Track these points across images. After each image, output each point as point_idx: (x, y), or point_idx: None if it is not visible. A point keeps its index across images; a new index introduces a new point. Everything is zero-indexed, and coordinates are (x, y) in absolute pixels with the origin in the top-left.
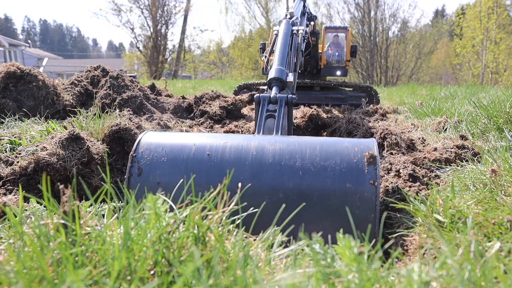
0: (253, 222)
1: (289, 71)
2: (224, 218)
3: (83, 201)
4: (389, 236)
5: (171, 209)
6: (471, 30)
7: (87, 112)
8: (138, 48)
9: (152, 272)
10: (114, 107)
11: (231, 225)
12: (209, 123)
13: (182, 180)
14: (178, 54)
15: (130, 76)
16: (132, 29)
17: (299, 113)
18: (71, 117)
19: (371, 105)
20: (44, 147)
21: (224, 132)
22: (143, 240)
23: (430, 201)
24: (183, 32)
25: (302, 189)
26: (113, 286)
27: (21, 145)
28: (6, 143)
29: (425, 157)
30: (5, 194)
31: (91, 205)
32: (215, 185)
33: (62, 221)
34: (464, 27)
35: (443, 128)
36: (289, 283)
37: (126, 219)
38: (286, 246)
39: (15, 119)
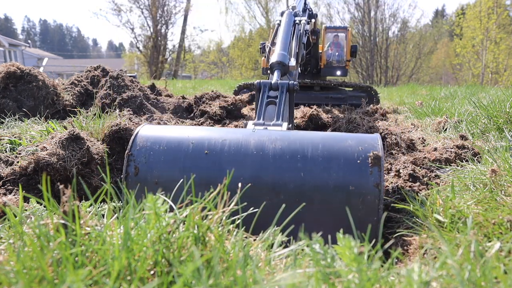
0: (253, 223)
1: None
2: (224, 218)
3: (83, 201)
4: (389, 236)
5: (171, 209)
6: (471, 30)
7: (87, 112)
8: (138, 48)
9: (152, 272)
10: (114, 107)
11: (231, 225)
12: (209, 123)
13: (181, 180)
14: (178, 54)
15: (130, 76)
16: (132, 29)
17: (299, 113)
18: (71, 117)
19: (371, 105)
20: (44, 147)
21: None
22: (143, 240)
23: (430, 201)
24: (183, 32)
25: (304, 191)
26: (113, 286)
27: (21, 145)
28: (6, 143)
29: (425, 157)
30: (5, 194)
31: (91, 205)
32: (215, 186)
33: (62, 221)
34: (464, 27)
35: (443, 128)
36: (289, 283)
37: (126, 219)
38: (286, 246)
39: (15, 119)
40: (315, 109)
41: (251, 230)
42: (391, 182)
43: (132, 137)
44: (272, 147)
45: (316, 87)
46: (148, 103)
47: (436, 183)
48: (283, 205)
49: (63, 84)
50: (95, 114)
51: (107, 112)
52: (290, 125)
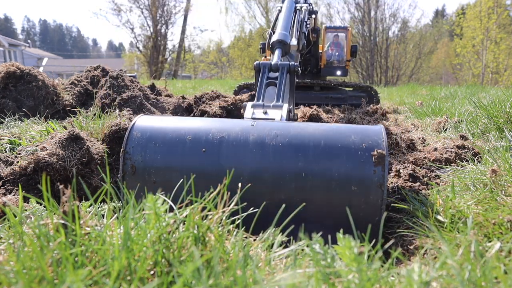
0: (253, 223)
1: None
2: (224, 218)
3: (83, 201)
4: (389, 236)
5: (171, 209)
6: (471, 30)
7: (87, 112)
8: (138, 48)
9: (152, 272)
10: (114, 107)
11: (231, 225)
12: None
13: (180, 180)
14: (178, 54)
15: (130, 76)
16: (132, 29)
17: (299, 113)
18: (71, 117)
19: (371, 105)
20: (44, 147)
21: None
22: (143, 240)
23: (430, 201)
24: (183, 32)
25: (305, 191)
26: (113, 286)
27: (21, 145)
28: (6, 143)
29: (425, 157)
30: (5, 194)
31: (91, 205)
32: (214, 185)
33: (62, 221)
34: (464, 27)
35: (443, 128)
36: (289, 283)
37: (126, 219)
38: (286, 246)
39: (15, 119)
40: (315, 109)
41: (251, 230)
42: (391, 182)
43: (126, 132)
44: (272, 145)
45: (316, 87)
46: (148, 103)
47: (436, 183)
48: (283, 205)
49: (63, 84)
50: (95, 114)
51: (107, 112)
52: (291, 106)
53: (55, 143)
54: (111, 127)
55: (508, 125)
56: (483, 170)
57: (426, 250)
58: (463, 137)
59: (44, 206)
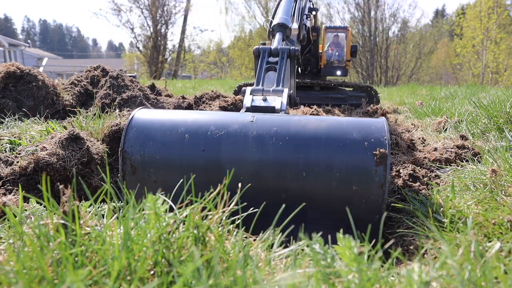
0: (253, 223)
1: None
2: (224, 218)
3: (83, 201)
4: (389, 236)
5: (171, 209)
6: (471, 30)
7: (87, 112)
8: (138, 48)
9: (152, 272)
10: (114, 107)
11: (231, 225)
12: None
13: (181, 180)
14: (178, 54)
15: (130, 76)
16: (132, 29)
17: (299, 113)
18: (71, 117)
19: (371, 105)
20: (44, 147)
21: None
22: (143, 240)
23: (430, 201)
24: (183, 32)
25: (305, 191)
26: (113, 286)
27: (21, 145)
28: (6, 143)
29: (425, 157)
30: (5, 194)
31: (91, 205)
32: (214, 185)
33: (62, 221)
34: (464, 27)
35: (443, 128)
36: (289, 283)
37: (126, 219)
38: (286, 246)
39: (15, 119)
40: (315, 109)
41: (251, 230)
42: (391, 182)
43: (124, 130)
44: (272, 143)
45: (316, 87)
46: (148, 103)
47: (436, 183)
48: (283, 205)
49: (63, 84)
50: (95, 114)
51: (107, 112)
52: (292, 91)
53: (55, 143)
54: (111, 127)
55: (508, 125)
56: (483, 170)
57: (426, 250)
58: (463, 137)
59: (44, 206)
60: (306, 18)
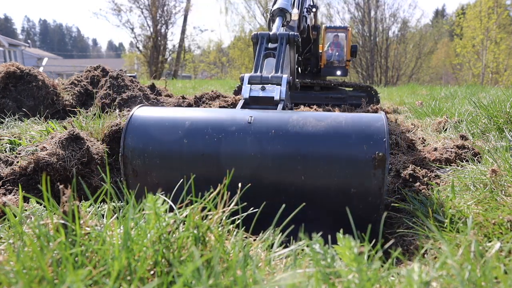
0: (253, 223)
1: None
2: (224, 218)
3: (83, 201)
4: (389, 236)
5: (171, 209)
6: (471, 30)
7: (87, 112)
8: (138, 48)
9: (152, 272)
10: (114, 107)
11: (231, 225)
12: None
13: (181, 180)
14: (178, 54)
15: (130, 76)
16: (132, 29)
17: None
18: (71, 117)
19: (371, 105)
20: (44, 147)
21: None
22: (143, 240)
23: (430, 201)
24: (183, 32)
25: (304, 193)
26: (113, 286)
27: (21, 145)
28: (6, 143)
29: (425, 157)
30: (5, 194)
31: (91, 205)
32: (214, 187)
33: (62, 221)
34: (464, 27)
35: (443, 128)
36: (289, 283)
37: (126, 219)
38: (286, 246)
39: (15, 119)
40: (315, 109)
41: (251, 230)
42: (391, 182)
43: (122, 134)
44: (271, 147)
45: (316, 87)
46: (148, 103)
47: (436, 183)
48: (283, 205)
49: (63, 84)
50: (95, 114)
51: (107, 112)
52: (291, 78)
53: (55, 143)
54: (111, 127)
55: (508, 125)
56: (483, 170)
57: (426, 250)
58: (463, 137)
59: (44, 206)
60: (307, 11)
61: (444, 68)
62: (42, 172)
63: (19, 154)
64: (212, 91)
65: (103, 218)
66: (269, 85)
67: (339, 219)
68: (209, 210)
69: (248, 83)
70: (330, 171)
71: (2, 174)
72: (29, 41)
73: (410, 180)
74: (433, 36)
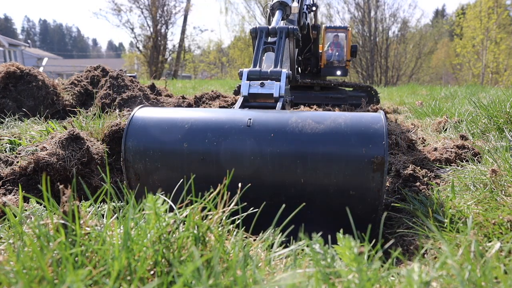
0: (253, 223)
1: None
2: (224, 218)
3: (83, 201)
4: (389, 236)
5: (171, 210)
6: (471, 30)
7: (87, 112)
8: (138, 48)
9: (152, 272)
10: (114, 107)
11: (231, 225)
12: None
13: (181, 180)
14: (178, 54)
15: (130, 76)
16: (132, 29)
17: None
18: (71, 117)
19: (371, 105)
20: (44, 147)
21: None
22: (143, 240)
23: (430, 201)
24: (183, 32)
25: (304, 195)
26: (113, 286)
27: (21, 145)
28: (6, 143)
29: (425, 157)
30: (5, 194)
31: (91, 205)
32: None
33: (62, 221)
34: (464, 27)
35: (443, 128)
36: (289, 283)
37: (126, 219)
38: (286, 246)
39: (15, 119)
40: (315, 109)
41: (251, 230)
42: (391, 182)
43: (123, 138)
44: (270, 151)
45: (316, 87)
46: (148, 103)
47: (436, 183)
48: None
49: (63, 84)
50: (95, 114)
51: (107, 112)
52: (291, 72)
53: (55, 143)
54: (111, 127)
55: (508, 125)
56: (483, 170)
57: (426, 250)
58: (463, 137)
59: (44, 206)
60: (307, 9)
61: (444, 68)
62: (42, 172)
63: (19, 154)
64: (212, 91)
65: (103, 218)
66: (268, 81)
67: (338, 219)
68: (209, 210)
69: (247, 79)
70: (329, 174)
71: (2, 174)
72: (29, 41)
73: (410, 180)
74: (433, 36)
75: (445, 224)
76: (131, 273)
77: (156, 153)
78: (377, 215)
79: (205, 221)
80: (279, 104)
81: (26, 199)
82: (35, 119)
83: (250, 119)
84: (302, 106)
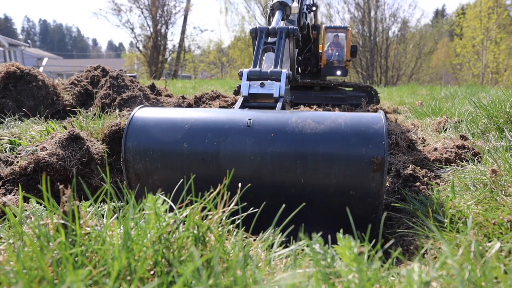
0: (253, 223)
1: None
2: (224, 218)
3: (83, 201)
4: (389, 236)
5: (171, 210)
6: (471, 30)
7: (87, 112)
8: (138, 48)
9: (152, 272)
10: (114, 107)
11: (231, 225)
12: None
13: (181, 180)
14: (178, 54)
15: (130, 76)
16: (132, 29)
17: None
18: (71, 117)
19: (371, 105)
20: (44, 147)
21: None
22: (143, 240)
23: (430, 201)
24: (183, 32)
25: (304, 195)
26: (113, 286)
27: (21, 145)
28: (6, 143)
29: (425, 157)
30: (5, 194)
31: (91, 205)
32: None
33: (62, 221)
34: (464, 27)
35: (443, 128)
36: (289, 283)
37: (126, 219)
38: (286, 246)
39: (15, 119)
40: (315, 109)
41: (251, 230)
42: (391, 182)
43: (123, 139)
44: (270, 151)
45: (316, 87)
46: (148, 103)
47: (436, 183)
48: (283, 205)
49: (63, 84)
50: (95, 114)
51: (107, 112)
52: (291, 72)
53: (55, 143)
54: (111, 127)
55: (508, 125)
56: (483, 170)
57: (426, 250)
58: (463, 137)
59: (44, 206)
60: (307, 9)
61: (444, 68)
62: (42, 172)
63: (19, 154)
64: (212, 91)
65: (103, 218)
66: (268, 81)
67: (338, 219)
68: (209, 210)
69: (247, 79)
70: (329, 174)
71: (2, 174)
72: (29, 41)
73: (410, 180)
74: (433, 36)
75: (445, 224)
76: (131, 273)
77: (156, 153)
78: (377, 215)
79: (205, 221)
80: (279, 104)
81: (26, 199)
82: (35, 119)
83: (250, 119)
84: (302, 106)
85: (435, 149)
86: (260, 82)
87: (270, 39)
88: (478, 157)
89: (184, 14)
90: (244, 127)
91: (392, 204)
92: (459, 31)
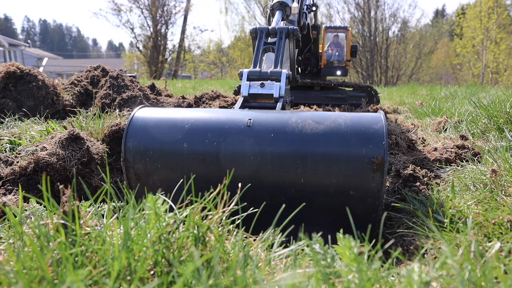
0: (253, 223)
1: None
2: (224, 218)
3: (83, 201)
4: (389, 236)
5: (171, 210)
6: (471, 30)
7: (87, 112)
8: (138, 48)
9: (152, 272)
10: (114, 107)
11: (231, 225)
12: None
13: (181, 180)
14: (178, 54)
15: (130, 76)
16: (132, 29)
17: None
18: (71, 117)
19: (371, 105)
20: (44, 147)
21: None
22: (143, 240)
23: (430, 201)
24: (183, 32)
25: (304, 195)
26: (113, 286)
27: (21, 145)
28: (6, 143)
29: (425, 157)
30: (5, 194)
31: (91, 205)
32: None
33: (62, 221)
34: (464, 27)
35: (443, 128)
36: (289, 283)
37: (126, 219)
38: (286, 246)
39: (15, 119)
40: (315, 109)
41: (251, 230)
42: (391, 182)
43: (123, 139)
44: (270, 151)
45: (316, 87)
46: (148, 103)
47: (436, 183)
48: (283, 205)
49: (63, 84)
50: (95, 114)
51: (107, 112)
52: (291, 72)
53: (55, 143)
54: (111, 127)
55: (508, 125)
56: (483, 170)
57: (426, 250)
58: (463, 137)
59: (44, 206)
60: (307, 9)
61: (444, 68)
62: (42, 172)
63: (19, 154)
64: (212, 91)
65: (103, 218)
66: (268, 81)
67: (338, 219)
68: (209, 210)
69: (247, 80)
70: (329, 174)
71: (2, 174)
72: (29, 41)
73: (410, 180)
74: (433, 36)
75: (445, 224)
76: (131, 273)
77: (156, 153)
78: (377, 215)
79: (205, 221)
80: (279, 105)
81: (26, 199)
82: (35, 119)
83: (250, 119)
84: (302, 106)
85: (435, 149)
86: (260, 82)
87: (270, 39)
88: (478, 157)
89: (184, 14)
90: (244, 127)
91: (392, 204)
92: (459, 31)
